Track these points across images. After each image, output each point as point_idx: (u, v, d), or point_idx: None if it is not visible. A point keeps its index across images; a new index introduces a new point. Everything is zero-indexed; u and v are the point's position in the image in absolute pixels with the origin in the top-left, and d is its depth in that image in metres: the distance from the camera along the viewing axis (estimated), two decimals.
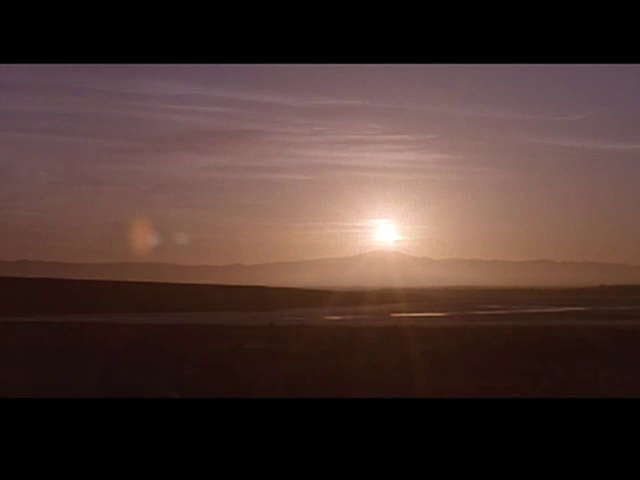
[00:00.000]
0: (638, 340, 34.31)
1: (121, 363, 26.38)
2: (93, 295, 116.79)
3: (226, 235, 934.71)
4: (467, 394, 19.83)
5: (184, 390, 19.81)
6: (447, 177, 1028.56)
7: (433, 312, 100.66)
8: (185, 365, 26.11)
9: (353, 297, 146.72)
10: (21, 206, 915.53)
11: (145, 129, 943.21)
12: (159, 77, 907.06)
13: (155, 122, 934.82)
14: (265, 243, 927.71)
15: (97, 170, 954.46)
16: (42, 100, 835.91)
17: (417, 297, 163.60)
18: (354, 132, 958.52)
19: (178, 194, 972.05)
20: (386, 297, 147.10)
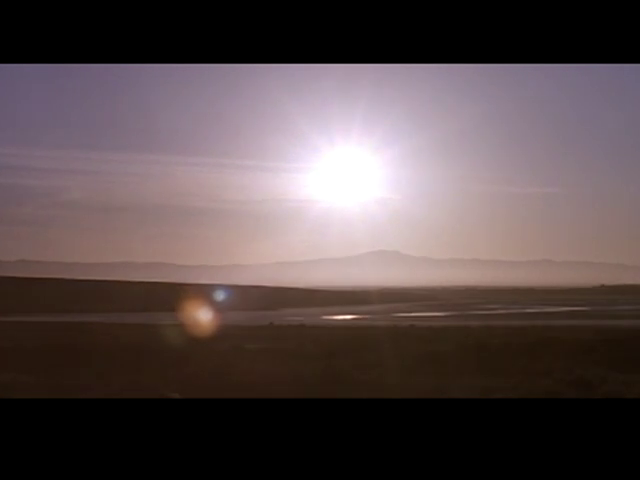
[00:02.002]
0: (638, 340, 34.28)
1: (121, 363, 26.39)
2: (93, 295, 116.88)
3: (227, 244, 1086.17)
4: (467, 394, 19.84)
5: (184, 390, 19.81)
6: (415, 204, 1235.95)
7: (433, 312, 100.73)
8: (185, 365, 26.12)
9: (353, 297, 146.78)
10: (61, 222, 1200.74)
11: (163, 181, 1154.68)
12: (187, 153, 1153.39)
13: (176, 178, 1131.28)
14: (265, 246, 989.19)
15: (122, 194, 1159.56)
16: (92, 162, 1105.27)
17: (417, 297, 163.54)
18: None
19: (180, 216, 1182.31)
20: (386, 297, 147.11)
